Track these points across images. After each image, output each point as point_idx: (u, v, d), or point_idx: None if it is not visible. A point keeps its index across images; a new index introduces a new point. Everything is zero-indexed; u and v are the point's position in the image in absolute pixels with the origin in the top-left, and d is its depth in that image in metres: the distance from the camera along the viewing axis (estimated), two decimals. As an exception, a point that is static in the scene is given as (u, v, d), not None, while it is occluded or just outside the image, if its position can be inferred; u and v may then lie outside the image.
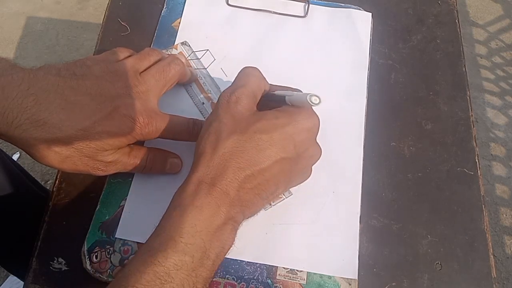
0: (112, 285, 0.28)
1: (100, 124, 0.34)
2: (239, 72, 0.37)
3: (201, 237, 0.29)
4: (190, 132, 0.39)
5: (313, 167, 0.41)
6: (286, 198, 0.40)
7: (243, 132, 0.32)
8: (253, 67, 0.37)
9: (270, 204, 0.39)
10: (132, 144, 0.37)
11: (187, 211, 0.30)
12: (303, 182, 0.37)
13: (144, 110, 0.36)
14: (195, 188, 0.31)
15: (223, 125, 0.33)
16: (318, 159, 0.36)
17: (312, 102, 0.32)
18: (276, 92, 0.37)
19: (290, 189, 0.40)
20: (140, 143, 0.40)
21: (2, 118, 0.31)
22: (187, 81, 0.44)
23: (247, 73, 0.36)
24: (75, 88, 0.34)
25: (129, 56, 0.39)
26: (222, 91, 0.36)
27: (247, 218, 0.33)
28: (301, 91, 0.36)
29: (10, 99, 0.31)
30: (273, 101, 0.36)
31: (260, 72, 0.36)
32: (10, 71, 0.33)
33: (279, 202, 0.40)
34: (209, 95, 0.44)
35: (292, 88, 0.37)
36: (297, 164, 0.34)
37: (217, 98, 0.44)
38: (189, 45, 0.47)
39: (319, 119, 0.35)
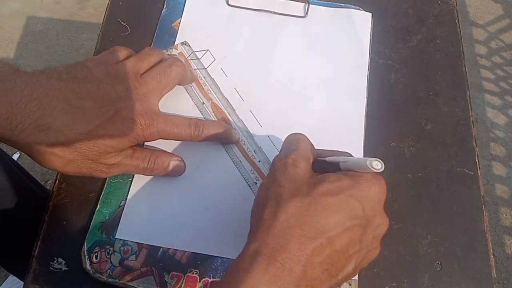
0: None
1: (103, 127, 0.34)
2: (286, 138, 0.34)
3: None
4: (191, 132, 0.38)
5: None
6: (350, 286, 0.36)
7: (306, 195, 0.28)
8: (300, 133, 0.34)
9: None
10: (134, 146, 0.37)
11: (241, 284, 0.25)
12: (372, 259, 0.32)
13: (145, 112, 0.36)
14: (251, 261, 0.26)
15: (283, 189, 0.29)
16: (385, 231, 0.32)
17: (373, 168, 0.29)
18: (327, 159, 0.33)
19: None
20: (141, 144, 0.40)
21: (6, 123, 0.31)
22: (187, 82, 0.44)
23: (297, 138, 0.33)
24: (77, 92, 0.34)
25: (129, 56, 0.39)
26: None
27: None
28: (351, 155, 0.33)
29: (13, 104, 0.31)
30: (323, 169, 0.32)
31: (307, 137, 0.34)
32: (13, 76, 0.32)
33: None
34: (209, 95, 0.44)
35: (340, 152, 0.34)
36: (366, 233, 0.30)
37: (217, 98, 0.44)
38: (189, 45, 0.47)
39: (385, 182, 0.31)
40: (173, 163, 0.39)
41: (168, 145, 0.41)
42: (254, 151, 0.42)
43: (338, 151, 0.34)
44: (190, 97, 0.44)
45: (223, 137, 0.41)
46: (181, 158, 0.40)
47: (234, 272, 0.27)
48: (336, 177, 0.30)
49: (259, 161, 0.41)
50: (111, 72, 0.36)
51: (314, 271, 0.27)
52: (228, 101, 0.44)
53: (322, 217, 0.28)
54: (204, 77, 0.45)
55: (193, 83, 0.45)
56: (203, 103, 0.44)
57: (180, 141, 0.42)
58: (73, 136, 0.33)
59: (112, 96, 0.35)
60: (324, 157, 0.33)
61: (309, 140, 0.34)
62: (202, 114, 0.43)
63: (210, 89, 0.45)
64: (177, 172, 0.40)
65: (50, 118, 0.32)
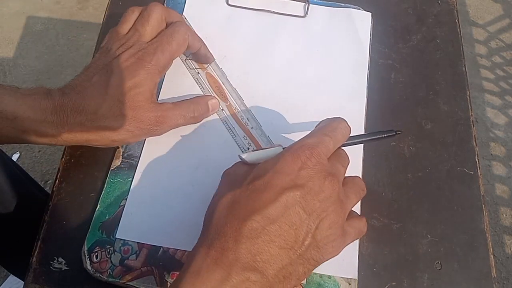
0: None
1: (119, 84, 0.37)
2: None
3: None
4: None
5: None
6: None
7: (238, 187, 0.31)
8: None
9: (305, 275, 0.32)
10: (173, 102, 0.40)
11: (183, 279, 0.28)
12: (335, 223, 0.31)
13: (141, 53, 0.39)
14: (194, 253, 0.30)
15: (220, 192, 0.32)
16: (334, 192, 0.31)
17: (242, 158, 0.34)
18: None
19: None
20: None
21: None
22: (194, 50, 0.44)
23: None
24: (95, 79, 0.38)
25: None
26: None
27: (285, 280, 0.29)
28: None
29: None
30: None
31: None
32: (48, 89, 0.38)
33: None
34: (204, 65, 0.46)
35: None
36: (307, 199, 0.30)
37: (211, 68, 0.45)
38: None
39: (309, 149, 0.31)
40: (210, 103, 0.42)
41: (167, 144, 0.41)
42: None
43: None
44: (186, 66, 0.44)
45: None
46: (213, 96, 0.43)
47: (182, 269, 0.30)
48: (264, 162, 0.32)
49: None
50: (117, 45, 0.39)
51: (257, 246, 0.28)
52: (223, 71, 0.45)
53: (253, 200, 0.29)
54: (204, 78, 0.45)
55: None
56: (198, 72, 0.44)
57: (179, 141, 0.42)
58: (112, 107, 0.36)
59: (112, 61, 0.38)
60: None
61: None
62: (197, 83, 0.44)
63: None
64: (216, 109, 0.43)
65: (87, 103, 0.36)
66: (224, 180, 0.35)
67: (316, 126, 0.36)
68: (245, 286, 0.27)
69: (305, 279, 0.35)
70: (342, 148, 0.36)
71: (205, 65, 0.46)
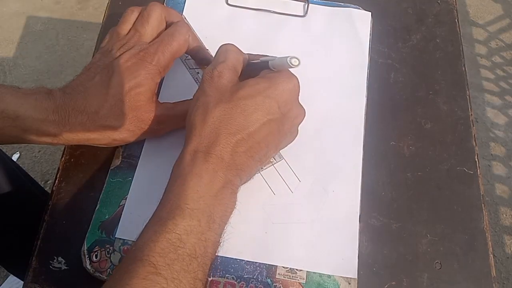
0: (126, 258, 0.30)
1: (120, 83, 0.37)
2: (217, 50, 0.38)
3: (205, 202, 0.31)
4: (187, 34, 0.41)
5: (313, 166, 0.41)
6: (277, 162, 0.41)
7: (228, 100, 0.34)
8: (230, 43, 0.38)
9: (262, 168, 0.41)
10: (172, 102, 0.41)
11: (187, 179, 0.31)
12: (291, 142, 0.39)
13: (141, 53, 0.39)
14: (192, 157, 0.33)
15: (209, 97, 0.34)
16: (303, 119, 0.38)
17: (291, 64, 0.34)
18: (258, 60, 0.38)
19: (281, 154, 0.41)
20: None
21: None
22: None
23: (226, 49, 0.37)
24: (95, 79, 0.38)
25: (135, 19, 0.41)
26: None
27: (244, 182, 0.36)
28: (276, 57, 0.37)
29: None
30: (256, 69, 0.38)
31: (237, 47, 0.38)
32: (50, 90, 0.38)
33: (269, 166, 0.41)
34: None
35: (269, 56, 0.38)
36: (284, 124, 0.36)
37: None
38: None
39: (297, 79, 0.37)
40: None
41: (167, 144, 0.41)
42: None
43: (267, 55, 0.38)
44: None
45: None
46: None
47: (180, 168, 0.33)
48: (255, 81, 0.35)
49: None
50: (117, 46, 0.40)
51: (241, 158, 0.33)
52: None
53: (242, 117, 0.33)
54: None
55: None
56: (198, 72, 0.45)
57: (179, 141, 0.41)
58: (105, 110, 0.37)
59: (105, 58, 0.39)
60: (256, 60, 0.38)
61: (238, 49, 0.38)
62: (197, 83, 0.44)
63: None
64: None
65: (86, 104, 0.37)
66: (210, 82, 0.35)
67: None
68: (231, 188, 0.33)
69: None
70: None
71: (205, 66, 0.46)
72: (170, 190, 0.32)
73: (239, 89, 0.34)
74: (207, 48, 0.46)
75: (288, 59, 0.34)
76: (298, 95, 0.37)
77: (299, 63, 0.34)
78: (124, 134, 0.38)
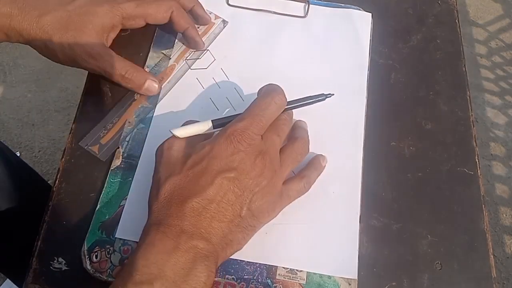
0: None
1: (81, 5, 0.40)
2: None
3: (157, 267, 0.30)
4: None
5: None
6: (286, 224, 0.38)
7: (178, 173, 0.34)
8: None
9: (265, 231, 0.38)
10: (117, 54, 0.42)
11: (139, 250, 0.31)
12: (267, 195, 0.35)
13: None
14: (146, 232, 0.32)
15: (160, 174, 0.34)
16: (269, 162, 0.35)
17: (172, 133, 0.35)
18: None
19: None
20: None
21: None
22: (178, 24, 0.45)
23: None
24: None
25: None
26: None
27: (227, 246, 0.33)
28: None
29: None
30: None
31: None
32: None
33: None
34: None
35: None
36: (241, 179, 0.34)
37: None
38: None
39: (242, 129, 0.34)
40: (149, 82, 0.42)
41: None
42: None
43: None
44: None
45: (189, 24, 0.45)
46: (157, 80, 0.43)
47: (136, 244, 0.33)
48: (201, 145, 0.35)
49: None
50: None
51: (201, 222, 0.32)
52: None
53: (193, 184, 0.33)
54: (204, 78, 0.45)
55: None
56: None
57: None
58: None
59: None
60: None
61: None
62: (199, 82, 0.43)
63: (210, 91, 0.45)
64: (150, 92, 0.43)
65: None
66: (161, 159, 0.35)
67: (250, 104, 0.37)
68: (194, 252, 0.31)
69: (246, 243, 0.36)
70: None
71: (206, 66, 0.46)
72: (126, 264, 0.33)
73: (187, 158, 0.34)
74: (206, 49, 0.46)
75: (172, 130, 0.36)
76: (248, 148, 0.34)
77: (179, 133, 0.35)
78: (56, 45, 0.39)
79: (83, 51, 0.40)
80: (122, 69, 0.41)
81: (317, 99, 0.39)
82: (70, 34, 0.39)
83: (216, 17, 0.48)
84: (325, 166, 0.40)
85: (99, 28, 0.40)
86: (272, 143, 0.36)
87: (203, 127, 0.37)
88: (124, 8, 0.41)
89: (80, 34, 0.40)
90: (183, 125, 0.37)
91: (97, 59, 0.40)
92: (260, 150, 0.35)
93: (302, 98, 0.39)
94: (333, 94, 0.40)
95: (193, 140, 0.36)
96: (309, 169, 0.39)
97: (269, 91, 0.37)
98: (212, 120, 0.37)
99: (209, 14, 0.47)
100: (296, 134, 0.39)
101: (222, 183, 0.33)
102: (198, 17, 0.47)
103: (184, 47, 0.47)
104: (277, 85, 0.38)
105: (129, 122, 0.42)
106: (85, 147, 0.41)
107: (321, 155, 0.41)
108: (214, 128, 0.37)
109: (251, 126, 0.34)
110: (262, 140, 0.35)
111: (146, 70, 0.45)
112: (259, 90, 0.38)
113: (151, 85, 0.42)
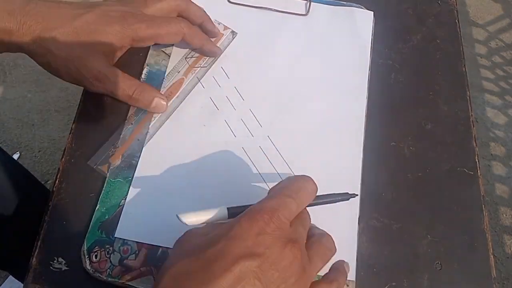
0: None
1: (88, 21, 0.38)
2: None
3: None
4: (183, 29, 0.41)
5: (312, 167, 0.41)
6: None
7: (187, 255, 0.28)
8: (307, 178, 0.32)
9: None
10: (124, 72, 0.40)
11: None
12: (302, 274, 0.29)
13: (131, 12, 0.40)
14: None
15: (168, 260, 0.29)
16: (294, 263, 0.28)
17: (178, 218, 0.31)
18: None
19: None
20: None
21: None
22: (202, 27, 0.45)
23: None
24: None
25: None
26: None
27: None
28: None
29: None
30: None
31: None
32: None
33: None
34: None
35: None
36: (263, 268, 0.27)
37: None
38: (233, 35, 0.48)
39: (271, 209, 0.29)
40: (156, 100, 0.41)
41: (167, 145, 0.41)
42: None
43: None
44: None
45: (203, 43, 0.44)
46: (165, 97, 0.42)
47: None
48: (219, 227, 0.29)
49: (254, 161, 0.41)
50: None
51: None
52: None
53: (203, 271, 0.26)
54: (204, 77, 0.45)
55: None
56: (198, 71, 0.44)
57: (179, 142, 0.41)
58: (61, 31, 0.37)
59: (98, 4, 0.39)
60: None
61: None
62: (199, 81, 0.43)
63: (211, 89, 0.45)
64: (158, 110, 0.41)
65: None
66: (176, 249, 0.30)
67: (279, 183, 0.32)
68: None
69: None
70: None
71: (206, 66, 0.46)
72: None
73: (202, 241, 0.29)
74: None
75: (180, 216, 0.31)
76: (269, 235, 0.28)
77: (186, 221, 0.31)
78: (59, 65, 0.37)
79: (89, 74, 0.38)
80: (128, 89, 0.40)
81: (341, 198, 0.35)
82: (76, 55, 0.37)
83: (225, 28, 0.47)
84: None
85: (108, 50, 0.38)
86: (300, 235, 0.30)
87: (216, 214, 0.31)
88: (134, 30, 0.39)
89: (87, 56, 0.37)
90: (193, 211, 0.32)
91: (103, 82, 0.39)
92: (290, 238, 0.28)
93: (325, 195, 0.35)
94: (357, 195, 0.36)
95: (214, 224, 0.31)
96: (336, 273, 0.33)
97: (301, 176, 0.32)
98: (227, 208, 0.32)
99: (217, 26, 0.46)
100: (316, 230, 0.34)
101: (241, 272, 0.26)
102: (207, 32, 0.45)
103: (192, 59, 0.46)
104: (308, 176, 0.33)
105: (131, 123, 0.42)
106: (94, 167, 0.40)
107: (343, 260, 0.35)
108: (229, 217, 0.31)
109: (281, 207, 0.29)
110: (291, 227, 0.29)
111: (146, 68, 0.45)
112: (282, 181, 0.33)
113: (159, 103, 0.41)
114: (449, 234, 0.40)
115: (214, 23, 0.46)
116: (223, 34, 0.47)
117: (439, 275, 0.38)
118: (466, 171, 0.43)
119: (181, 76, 0.45)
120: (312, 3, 0.50)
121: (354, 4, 0.50)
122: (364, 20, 0.49)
